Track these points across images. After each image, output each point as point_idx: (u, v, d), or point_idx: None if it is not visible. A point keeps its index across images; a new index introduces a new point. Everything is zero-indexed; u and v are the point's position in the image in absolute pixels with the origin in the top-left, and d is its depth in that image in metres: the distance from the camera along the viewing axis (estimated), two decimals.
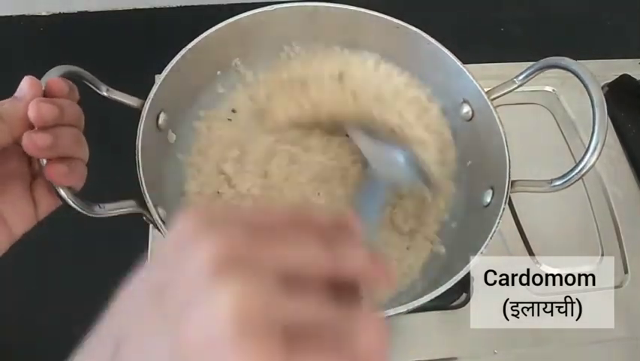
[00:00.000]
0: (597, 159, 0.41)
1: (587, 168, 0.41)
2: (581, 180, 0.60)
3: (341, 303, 0.19)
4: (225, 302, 0.17)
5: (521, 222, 0.58)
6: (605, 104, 0.41)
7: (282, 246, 0.19)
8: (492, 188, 0.47)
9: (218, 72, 0.53)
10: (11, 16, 0.69)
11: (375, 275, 0.21)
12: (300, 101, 0.51)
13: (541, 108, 0.66)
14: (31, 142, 0.31)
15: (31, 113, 0.31)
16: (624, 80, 0.67)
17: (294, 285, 0.18)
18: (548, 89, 0.67)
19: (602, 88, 0.66)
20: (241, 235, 0.18)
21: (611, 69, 0.68)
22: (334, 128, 0.53)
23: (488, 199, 0.47)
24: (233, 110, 0.54)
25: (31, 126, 0.32)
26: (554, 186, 0.43)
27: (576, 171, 0.42)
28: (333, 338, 0.18)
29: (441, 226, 0.51)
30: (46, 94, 0.33)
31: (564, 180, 0.42)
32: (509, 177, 0.44)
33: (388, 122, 0.51)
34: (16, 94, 0.32)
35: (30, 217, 0.35)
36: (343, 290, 0.20)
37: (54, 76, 0.35)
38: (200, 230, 0.19)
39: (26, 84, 0.32)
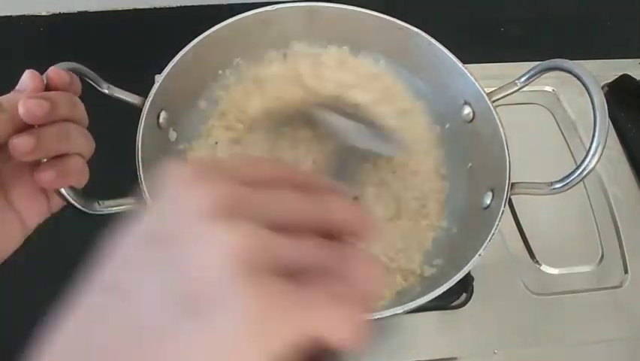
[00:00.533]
0: (598, 161, 0.41)
1: (587, 170, 0.41)
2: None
3: (332, 247, 0.19)
4: (225, 241, 0.17)
5: (521, 222, 0.58)
6: (606, 107, 0.41)
7: (273, 196, 0.19)
8: (492, 190, 0.47)
9: (220, 71, 0.53)
10: (11, 16, 0.69)
11: (361, 225, 0.21)
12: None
13: (541, 108, 0.66)
14: (13, 147, 0.30)
15: (21, 110, 0.30)
16: (624, 80, 0.67)
17: (288, 230, 0.19)
18: (548, 89, 0.67)
19: (602, 88, 0.66)
20: (234, 185, 0.19)
21: (611, 69, 0.68)
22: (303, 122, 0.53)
23: (488, 201, 0.47)
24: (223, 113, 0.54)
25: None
26: (555, 188, 0.43)
27: (577, 173, 0.42)
28: (330, 275, 0.19)
29: (440, 231, 0.51)
30: (48, 85, 0.33)
31: (565, 183, 0.42)
32: (509, 180, 0.44)
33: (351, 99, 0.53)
34: (17, 87, 0.32)
35: (43, 209, 0.34)
36: (332, 240, 0.20)
37: None
38: (194, 180, 0.19)
39: (27, 77, 0.32)
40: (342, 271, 0.19)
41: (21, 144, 0.30)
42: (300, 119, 0.53)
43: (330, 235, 0.20)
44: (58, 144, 0.32)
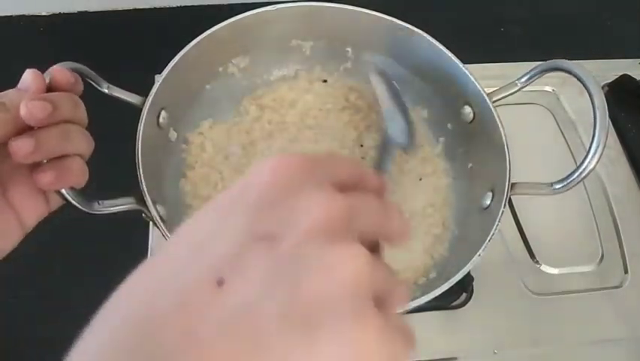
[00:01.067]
0: (598, 161, 0.41)
1: (587, 170, 0.41)
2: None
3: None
4: (347, 270, 0.18)
5: (521, 222, 0.58)
6: (606, 107, 0.41)
7: (364, 207, 0.21)
8: (492, 190, 0.47)
9: (220, 69, 0.53)
10: (11, 16, 0.69)
11: (403, 235, 0.23)
12: None
13: (541, 108, 0.66)
14: (12, 150, 0.30)
15: (23, 112, 0.30)
16: (624, 80, 0.67)
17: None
18: (548, 89, 0.67)
19: (602, 88, 0.66)
20: (339, 196, 0.20)
21: (611, 69, 0.68)
22: None
23: (488, 202, 0.47)
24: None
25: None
26: (555, 189, 0.43)
27: (577, 173, 0.42)
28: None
29: (440, 231, 0.51)
30: (52, 84, 0.33)
31: (565, 183, 0.42)
32: (509, 180, 0.44)
33: None
34: (19, 85, 0.32)
35: (42, 208, 0.34)
36: None
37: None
38: (300, 178, 0.20)
39: (30, 77, 0.32)
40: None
41: (20, 147, 0.30)
42: None
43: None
44: (59, 146, 0.32)
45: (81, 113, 0.34)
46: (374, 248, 0.22)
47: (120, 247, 0.53)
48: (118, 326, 0.18)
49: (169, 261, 0.19)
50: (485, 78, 0.49)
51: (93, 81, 0.40)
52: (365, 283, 0.18)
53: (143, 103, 0.44)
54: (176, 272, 0.18)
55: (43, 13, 0.70)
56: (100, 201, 0.38)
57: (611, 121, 0.64)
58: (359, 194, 0.21)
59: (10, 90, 0.32)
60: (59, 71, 0.33)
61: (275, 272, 0.18)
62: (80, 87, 0.35)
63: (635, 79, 0.67)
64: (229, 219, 0.19)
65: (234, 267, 0.18)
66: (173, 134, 0.50)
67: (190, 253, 0.19)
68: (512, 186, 0.44)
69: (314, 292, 0.18)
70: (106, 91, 0.41)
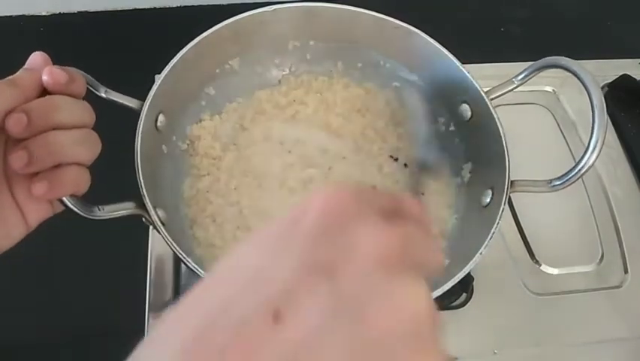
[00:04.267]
0: (597, 158, 0.41)
1: (586, 167, 0.41)
2: (581, 180, 0.60)
3: None
4: (412, 306, 0.18)
5: (521, 222, 0.58)
6: (604, 103, 0.41)
7: (410, 238, 0.20)
8: (491, 188, 0.47)
9: (217, 70, 0.53)
10: (11, 16, 0.69)
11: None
12: None
13: (541, 108, 0.66)
14: (10, 164, 0.30)
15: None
16: (624, 80, 0.67)
17: None
18: (548, 89, 0.67)
19: (602, 88, 0.66)
20: (395, 228, 0.20)
21: (611, 69, 0.68)
22: None
23: (488, 200, 0.47)
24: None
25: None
26: (554, 186, 0.43)
27: (575, 170, 0.42)
28: None
29: (442, 228, 0.51)
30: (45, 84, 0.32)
31: (564, 180, 0.42)
32: (509, 177, 0.44)
33: None
34: (26, 66, 0.33)
35: (46, 210, 0.34)
36: None
37: None
38: (354, 211, 0.20)
39: (38, 57, 0.33)
40: None
41: (15, 161, 0.30)
42: None
43: None
44: (52, 156, 0.31)
45: (86, 118, 0.33)
46: None
47: (120, 247, 0.53)
48: (168, 359, 0.17)
49: (223, 292, 0.18)
50: (484, 78, 0.49)
51: (90, 85, 0.40)
52: (429, 318, 0.18)
53: (141, 107, 0.44)
54: (231, 305, 0.18)
55: (43, 13, 0.70)
56: (100, 207, 0.38)
57: (611, 121, 0.64)
58: (407, 223, 0.21)
59: (20, 71, 0.32)
60: (50, 73, 0.32)
61: (335, 306, 0.17)
62: (79, 87, 0.34)
63: (635, 79, 0.67)
64: (283, 250, 0.19)
65: (292, 300, 0.17)
66: (171, 138, 0.50)
67: (245, 285, 0.18)
68: (512, 183, 0.44)
69: (379, 328, 0.17)
70: (103, 95, 0.40)
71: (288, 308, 0.17)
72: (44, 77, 0.32)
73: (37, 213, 0.34)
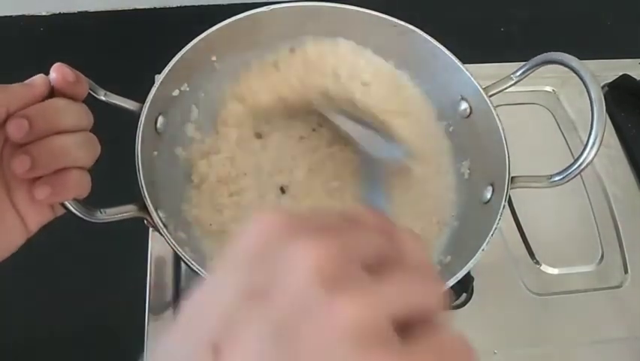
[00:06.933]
0: (596, 153, 0.41)
1: (586, 162, 0.41)
2: (580, 180, 0.60)
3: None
4: (345, 317, 0.17)
5: (521, 222, 0.58)
6: (603, 99, 0.41)
7: (362, 245, 0.20)
8: (492, 185, 0.47)
9: (216, 70, 0.53)
10: (11, 16, 0.69)
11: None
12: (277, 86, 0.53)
13: (541, 108, 0.66)
14: (12, 169, 0.30)
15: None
16: (624, 80, 0.67)
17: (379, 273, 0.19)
18: (548, 89, 0.67)
19: (602, 88, 0.66)
20: (329, 240, 0.18)
21: (611, 69, 0.68)
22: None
23: (488, 196, 0.47)
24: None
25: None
26: (554, 181, 0.43)
27: (575, 166, 0.42)
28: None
29: (441, 228, 0.51)
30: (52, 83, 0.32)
31: (563, 176, 0.43)
32: (509, 173, 0.44)
33: (369, 107, 0.52)
34: (26, 82, 0.32)
35: (46, 214, 0.34)
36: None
37: None
38: (287, 232, 0.19)
39: (38, 79, 0.32)
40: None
41: (17, 166, 0.30)
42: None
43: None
44: (54, 161, 0.31)
45: (76, 121, 0.33)
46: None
47: (120, 248, 0.53)
48: None
49: (178, 328, 0.19)
50: (484, 78, 0.49)
51: (90, 89, 0.40)
52: (372, 327, 0.17)
53: (141, 109, 0.43)
54: (181, 341, 0.18)
55: (43, 13, 0.70)
56: (102, 210, 0.38)
57: (611, 121, 0.64)
58: (349, 229, 0.20)
59: (16, 84, 0.32)
60: (59, 70, 0.32)
61: (272, 330, 0.17)
62: (83, 88, 0.34)
63: (635, 79, 0.67)
64: (221, 281, 0.19)
65: (230, 331, 0.17)
66: (171, 138, 0.50)
67: (192, 319, 0.19)
68: (512, 179, 0.44)
69: (317, 344, 0.17)
70: (103, 98, 0.40)
71: (226, 341, 0.17)
72: (53, 75, 0.32)
73: (37, 218, 0.33)
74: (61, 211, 0.35)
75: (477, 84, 0.48)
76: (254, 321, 0.17)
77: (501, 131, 0.46)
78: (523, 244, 0.57)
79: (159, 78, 0.46)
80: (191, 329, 0.18)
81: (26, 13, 0.69)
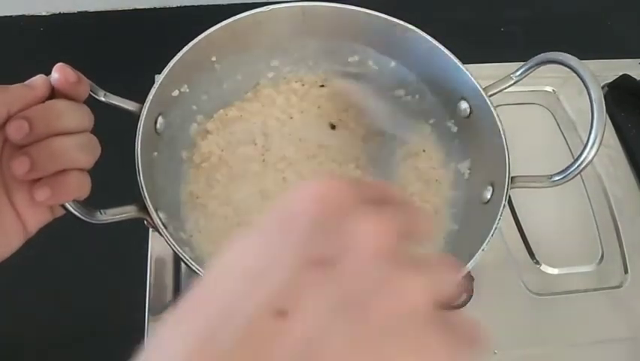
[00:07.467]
0: (596, 153, 0.41)
1: (586, 162, 0.41)
2: (580, 180, 0.60)
3: None
4: (416, 295, 0.18)
5: (521, 222, 0.58)
6: (603, 99, 0.41)
7: (403, 222, 0.21)
8: (492, 184, 0.47)
9: (216, 70, 0.53)
10: (11, 16, 0.69)
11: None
12: None
13: (541, 108, 0.66)
14: (12, 170, 0.30)
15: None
16: (624, 80, 0.67)
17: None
18: (548, 89, 0.67)
19: (602, 88, 0.66)
20: (387, 217, 0.20)
21: (611, 69, 0.68)
22: None
23: (488, 195, 0.47)
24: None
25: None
26: (554, 180, 0.43)
27: (575, 165, 0.42)
28: None
29: (442, 227, 0.51)
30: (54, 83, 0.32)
31: (564, 175, 0.43)
32: (509, 173, 0.44)
33: None
34: (26, 82, 0.32)
35: (45, 215, 0.34)
36: None
37: None
38: (346, 202, 0.20)
39: (39, 80, 0.32)
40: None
41: (17, 167, 0.30)
42: None
43: None
44: (54, 162, 0.31)
45: (77, 122, 0.33)
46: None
47: (120, 248, 0.53)
48: None
49: (222, 294, 0.18)
50: (484, 78, 0.49)
51: (90, 89, 0.40)
52: (427, 309, 0.18)
53: (141, 110, 0.43)
54: (233, 306, 0.17)
55: (43, 13, 0.70)
56: (102, 211, 0.38)
57: (611, 121, 0.64)
58: (395, 209, 0.21)
59: (16, 84, 0.31)
60: (62, 70, 0.32)
61: (337, 300, 0.17)
62: (84, 89, 0.34)
63: (635, 79, 0.67)
64: (281, 245, 0.19)
65: (295, 296, 0.17)
66: (171, 139, 0.50)
67: (245, 285, 0.18)
68: (512, 179, 0.44)
69: (381, 320, 0.17)
70: (103, 99, 0.40)
71: (291, 304, 0.17)
72: (55, 75, 0.32)
73: (36, 219, 0.33)
74: (60, 212, 0.35)
75: (477, 84, 0.48)
76: (323, 289, 0.18)
77: (501, 129, 0.46)
78: (523, 244, 0.57)
79: (159, 78, 0.46)
80: (248, 294, 0.17)
81: (26, 13, 0.69)
